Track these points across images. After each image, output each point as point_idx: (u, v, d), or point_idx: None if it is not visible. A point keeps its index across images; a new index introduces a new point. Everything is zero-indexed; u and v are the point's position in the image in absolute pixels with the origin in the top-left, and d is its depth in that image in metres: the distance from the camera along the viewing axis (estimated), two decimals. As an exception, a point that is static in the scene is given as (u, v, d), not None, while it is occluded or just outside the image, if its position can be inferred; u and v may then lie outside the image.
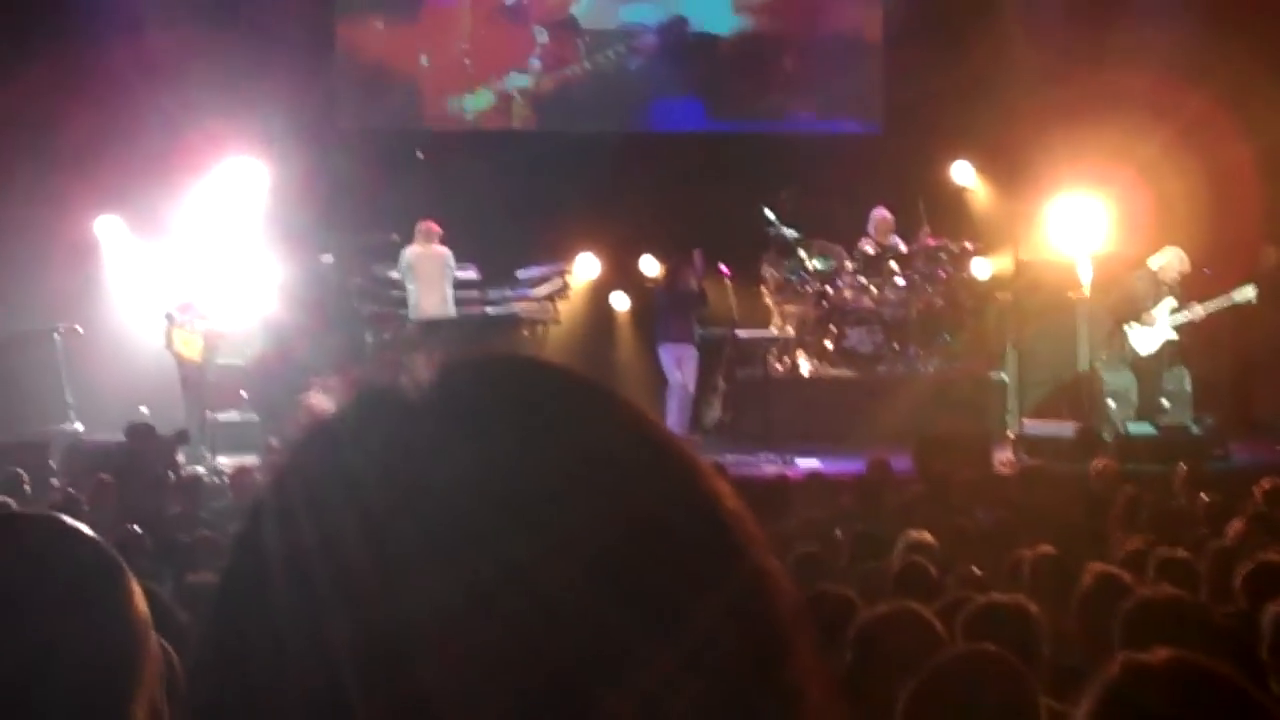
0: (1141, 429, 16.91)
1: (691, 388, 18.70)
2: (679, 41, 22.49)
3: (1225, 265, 17.80)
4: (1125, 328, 17.32)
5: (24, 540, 1.85)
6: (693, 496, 1.07)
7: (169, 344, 17.51)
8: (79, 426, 18.11)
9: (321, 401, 1.10)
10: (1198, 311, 17.21)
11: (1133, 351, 17.36)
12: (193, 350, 17.49)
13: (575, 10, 22.47)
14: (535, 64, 22.53)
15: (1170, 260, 17.28)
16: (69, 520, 1.87)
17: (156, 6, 19.91)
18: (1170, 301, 17.22)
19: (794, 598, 1.09)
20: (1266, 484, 11.46)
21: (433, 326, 18.62)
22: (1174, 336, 17.31)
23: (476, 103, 22.57)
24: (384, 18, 22.29)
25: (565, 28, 22.52)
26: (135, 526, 9.87)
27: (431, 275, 18.71)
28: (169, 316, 17.54)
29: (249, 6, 20.89)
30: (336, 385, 1.12)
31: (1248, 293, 17.27)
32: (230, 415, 18.27)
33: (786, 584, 1.09)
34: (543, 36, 22.46)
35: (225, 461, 16.35)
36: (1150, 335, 17.28)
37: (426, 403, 1.08)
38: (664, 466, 1.08)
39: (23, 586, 1.79)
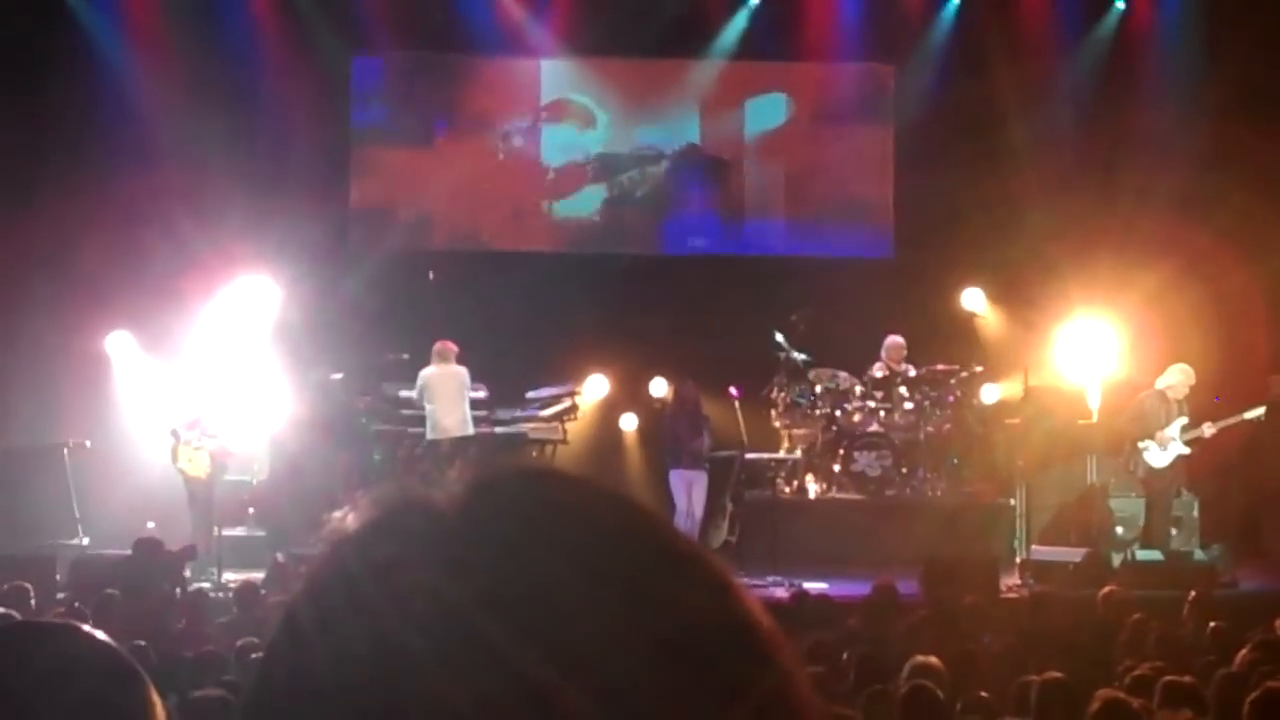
0: (1150, 556, 16.86)
1: (699, 513, 18.66)
2: (691, 166, 22.65)
3: (1235, 394, 17.83)
4: (1139, 445, 17.29)
5: (44, 648, 1.85)
6: (723, 608, 1.06)
7: (174, 460, 17.53)
8: (85, 541, 18.08)
9: (347, 519, 1.10)
10: (1209, 429, 17.20)
11: (1147, 468, 17.29)
12: (198, 468, 17.50)
13: (588, 135, 22.65)
14: (548, 188, 22.69)
15: (1178, 379, 17.28)
16: (88, 629, 1.88)
17: (172, 132, 20.17)
18: (1182, 420, 17.22)
19: (819, 708, 1.08)
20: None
21: (454, 445, 18.65)
22: (1186, 451, 17.30)
23: (490, 225, 22.71)
24: (398, 144, 22.48)
25: (578, 152, 22.70)
26: (140, 642, 9.85)
27: (450, 394, 18.72)
28: (174, 433, 17.56)
29: (264, 133, 21.11)
30: (363, 502, 1.11)
31: (1258, 411, 17.28)
32: (237, 531, 18.25)
33: (811, 694, 1.08)
34: (556, 161, 22.64)
35: (232, 577, 16.31)
36: (1163, 452, 17.27)
37: (455, 520, 1.07)
38: (694, 581, 1.06)
39: (43, 695, 1.79)
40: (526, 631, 0.99)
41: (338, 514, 1.11)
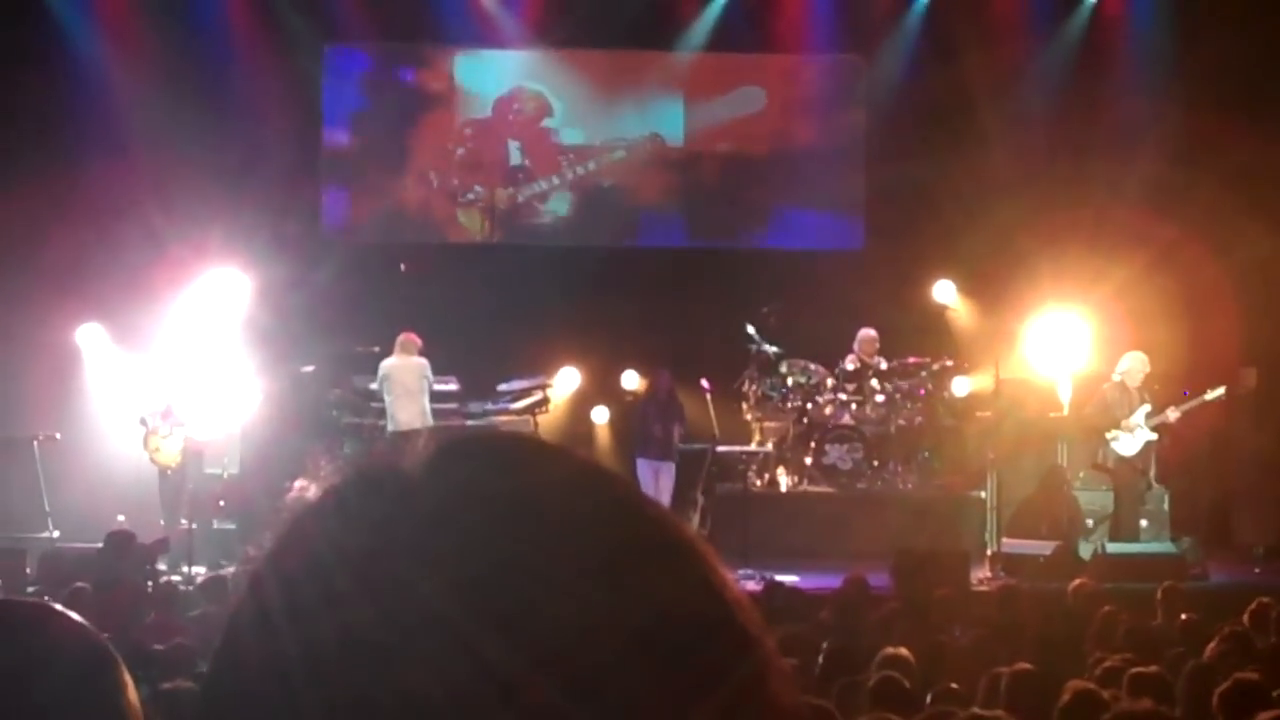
0: (1120, 548, 16.93)
1: (666, 502, 18.64)
2: (662, 158, 22.65)
3: (1204, 386, 17.89)
4: (1108, 435, 17.37)
5: (16, 627, 1.84)
6: (700, 596, 1.03)
7: (145, 448, 17.50)
8: (55, 534, 18.03)
9: (306, 488, 1.08)
10: (1173, 414, 17.28)
11: (1117, 458, 17.38)
12: (168, 457, 17.46)
13: (559, 127, 22.64)
14: (519, 178, 22.68)
15: (1133, 365, 17.37)
16: (61, 609, 1.87)
17: (143, 123, 20.12)
18: (1145, 407, 17.29)
19: (794, 699, 1.05)
20: (1255, 604, 11.51)
21: (408, 438, 18.53)
22: (1153, 438, 17.38)
23: (460, 216, 22.71)
24: (367, 135, 22.45)
25: (546, 143, 22.69)
26: (110, 634, 9.82)
27: (409, 386, 18.63)
28: (143, 421, 17.53)
29: (235, 124, 21.04)
30: (322, 471, 1.09)
31: (1218, 391, 17.34)
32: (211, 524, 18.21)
33: (788, 686, 1.05)
34: (517, 157, 22.61)
35: (202, 571, 16.27)
36: (1131, 440, 17.33)
37: (409, 482, 1.04)
38: (671, 568, 1.04)
39: (14, 674, 1.78)
40: (497, 621, 0.97)
41: (299, 483, 1.09)
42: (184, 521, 17.29)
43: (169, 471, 17.51)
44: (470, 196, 22.67)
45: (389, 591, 0.99)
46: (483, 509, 1.02)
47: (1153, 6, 21.68)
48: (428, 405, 18.82)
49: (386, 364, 18.75)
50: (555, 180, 22.69)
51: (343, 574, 1.00)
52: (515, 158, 22.71)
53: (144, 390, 18.06)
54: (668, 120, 22.70)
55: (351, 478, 1.07)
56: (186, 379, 17.99)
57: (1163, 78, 20.86)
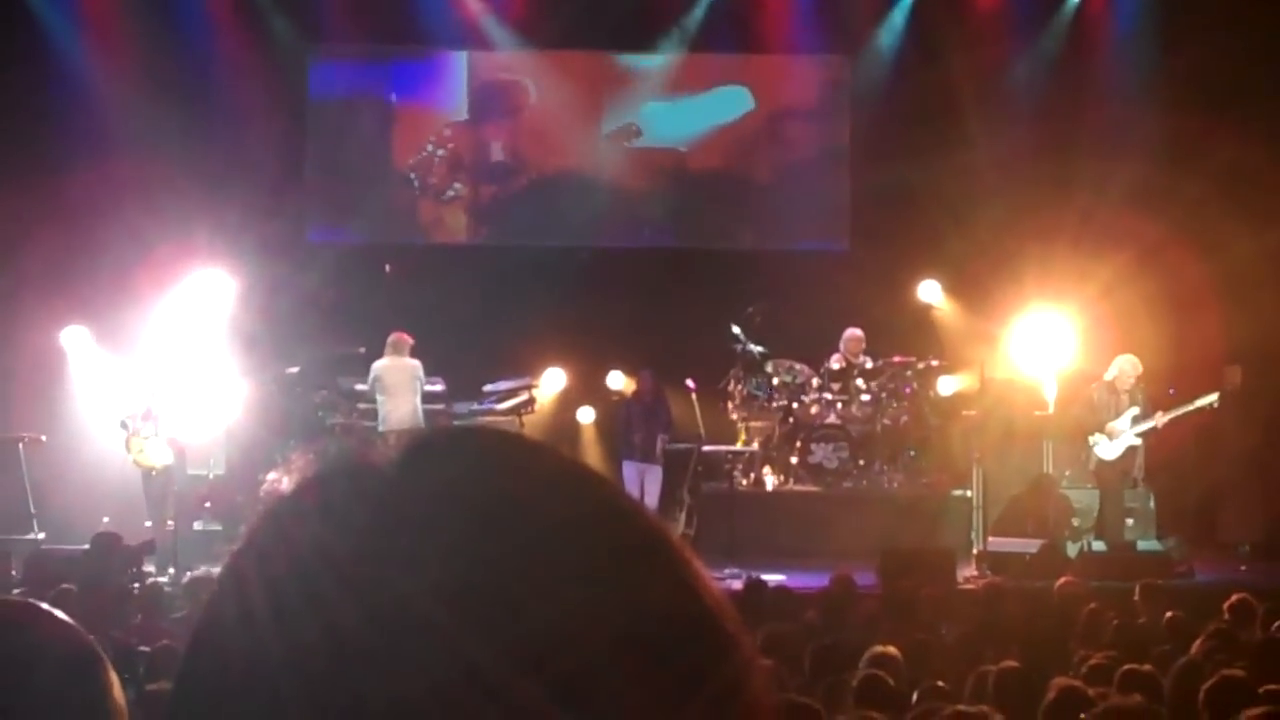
0: (1105, 546, 16.97)
1: (652, 504, 18.64)
2: (647, 159, 22.64)
3: (1189, 385, 17.93)
4: (1090, 439, 17.41)
5: (2, 627, 1.84)
6: (682, 598, 1.03)
7: (127, 451, 17.47)
8: (41, 536, 18.01)
9: (281, 480, 1.07)
10: (1160, 419, 17.30)
11: (1099, 461, 17.42)
12: (151, 459, 17.43)
13: (537, 124, 22.62)
14: (502, 178, 22.68)
15: (1124, 368, 17.37)
16: (47, 607, 1.87)
17: (127, 125, 20.09)
18: (1133, 410, 17.30)
19: (775, 702, 1.06)
20: (1235, 598, 11.54)
21: (400, 436, 18.52)
22: (1137, 443, 17.41)
23: (444, 217, 22.70)
24: (351, 136, 22.43)
25: (530, 143, 22.69)
26: (96, 636, 9.80)
27: (401, 387, 18.63)
28: (124, 424, 17.49)
29: (219, 126, 21.03)
30: (299, 463, 1.08)
31: (1211, 398, 17.36)
32: (195, 525, 18.18)
33: (768, 688, 1.06)
34: (500, 156, 22.61)
35: (188, 572, 16.24)
36: (1112, 445, 17.35)
37: (388, 483, 1.04)
38: (654, 570, 1.04)
39: (0, 673, 1.78)
40: (481, 622, 0.97)
41: (273, 475, 1.08)
42: (169, 523, 17.27)
43: (154, 473, 17.48)
44: (451, 195, 22.66)
45: (372, 592, 0.98)
46: (466, 509, 1.02)
47: (1136, 7, 21.70)
48: (420, 406, 18.81)
49: (379, 364, 18.74)
50: (539, 180, 22.67)
51: (326, 574, 1.00)
52: (498, 157, 22.69)
53: (125, 392, 18.03)
54: (652, 120, 22.68)
55: (333, 475, 1.07)
56: (172, 380, 17.96)
57: (1146, 78, 20.90)
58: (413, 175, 22.58)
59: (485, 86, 22.68)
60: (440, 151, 22.61)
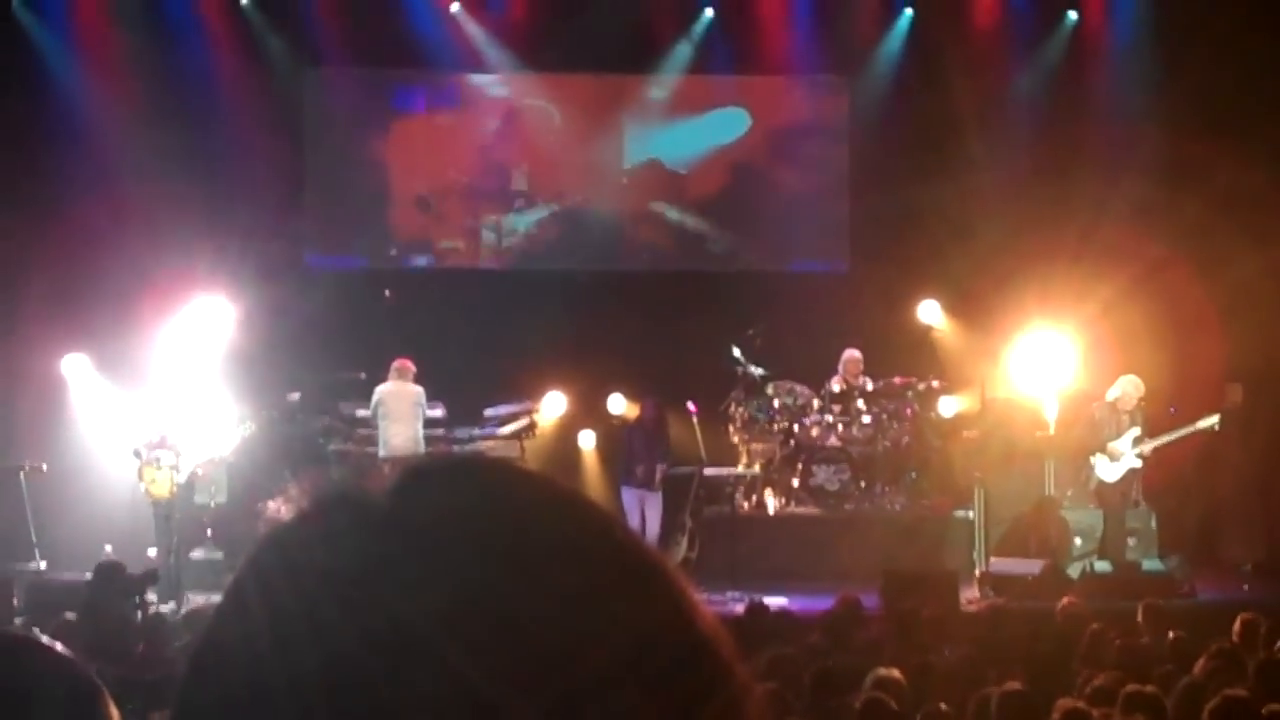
0: (1107, 567, 16.95)
1: (654, 530, 18.62)
2: (647, 181, 22.64)
3: (1190, 404, 17.93)
4: (1091, 459, 17.42)
5: (3, 661, 1.84)
6: (677, 625, 1.04)
7: (140, 480, 17.43)
8: (42, 565, 17.99)
9: (281, 509, 1.08)
10: (1162, 441, 17.31)
11: (1099, 482, 17.42)
12: (161, 488, 17.41)
13: (536, 148, 22.63)
14: (501, 202, 22.69)
15: (1126, 390, 17.39)
16: (47, 640, 1.87)
17: (126, 152, 20.11)
18: (1134, 431, 17.31)
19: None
20: (1243, 618, 11.53)
21: (399, 464, 18.49)
22: (1138, 465, 17.40)
23: (444, 241, 22.71)
24: (350, 160, 22.44)
25: (529, 166, 22.70)
26: (98, 665, 9.79)
27: (403, 412, 18.66)
28: (137, 453, 17.46)
29: (218, 152, 21.03)
30: (298, 492, 1.09)
31: (1212, 420, 17.36)
32: (197, 553, 18.17)
33: (764, 714, 1.07)
34: (500, 180, 22.63)
35: (191, 600, 16.23)
36: (1113, 465, 17.35)
37: (386, 511, 1.05)
38: (648, 596, 1.04)
39: (2, 708, 1.78)
40: (479, 647, 0.98)
41: (273, 503, 1.09)
42: (171, 552, 17.24)
43: (161, 501, 17.45)
44: (457, 220, 22.66)
45: (371, 617, 0.99)
46: (462, 536, 1.03)
47: (1133, 26, 21.71)
48: (421, 432, 18.82)
49: (381, 389, 18.78)
50: (539, 204, 22.69)
51: (325, 599, 1.01)
52: (498, 181, 22.69)
53: (133, 420, 17.99)
54: (651, 143, 22.70)
55: (333, 503, 1.08)
56: (173, 408, 17.94)
57: (1144, 96, 20.91)
58: (414, 199, 22.56)
59: (485, 110, 22.69)
60: (445, 174, 22.60)
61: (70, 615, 12.92)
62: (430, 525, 1.04)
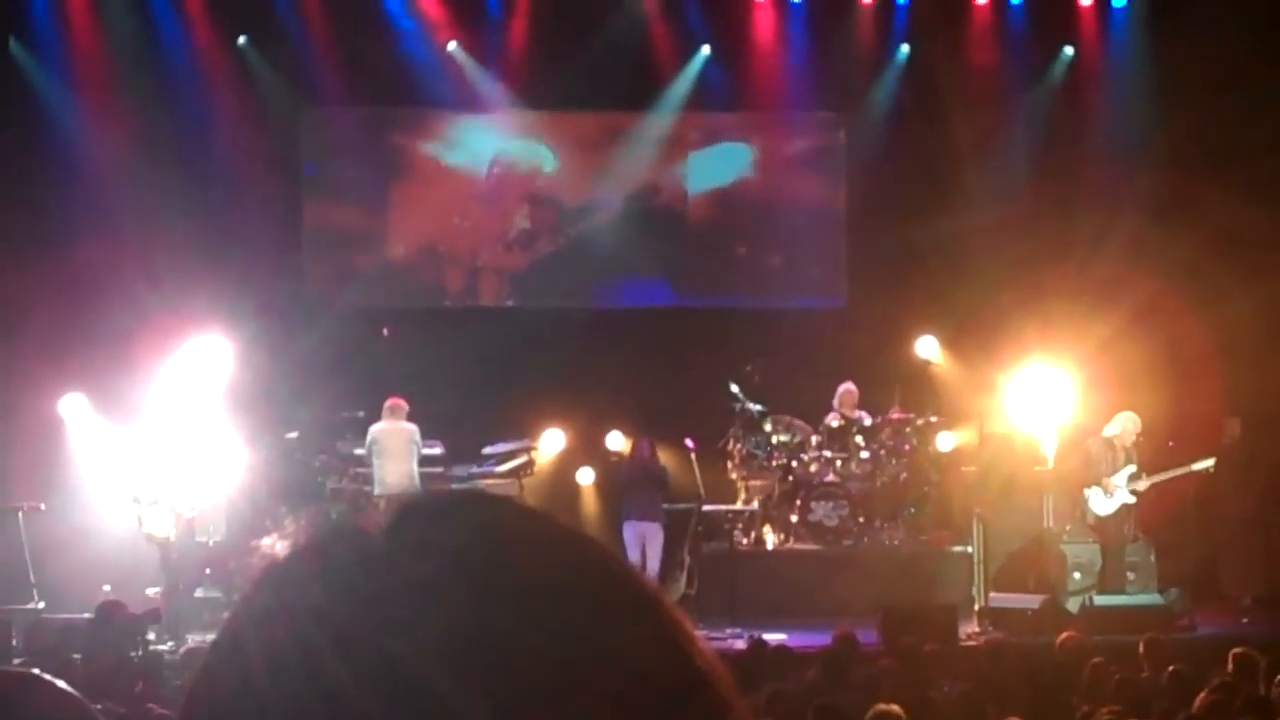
0: (1107, 601, 16.93)
1: (654, 566, 18.59)
2: (645, 218, 22.65)
3: (1189, 438, 17.95)
4: (1085, 492, 17.44)
5: (4, 696, 1.84)
6: (675, 662, 1.04)
7: (140, 526, 17.35)
8: (41, 605, 17.95)
9: (276, 546, 1.09)
10: (1157, 479, 17.34)
11: (1094, 515, 17.44)
12: (162, 530, 17.36)
13: (535, 187, 22.66)
14: (502, 243, 22.70)
15: (1125, 426, 17.42)
16: (49, 678, 1.88)
17: (123, 192, 20.14)
18: (1130, 468, 17.33)
19: None
20: (1237, 652, 11.51)
21: (395, 500, 18.45)
22: (1131, 500, 17.42)
23: (442, 279, 22.71)
24: (351, 200, 22.46)
25: (539, 206, 22.72)
26: (97, 705, 9.77)
27: (398, 451, 18.68)
28: (136, 499, 17.41)
29: (216, 191, 21.07)
30: (294, 530, 1.10)
31: (1207, 463, 17.40)
32: (197, 593, 18.12)
33: None
34: (499, 219, 22.65)
35: (190, 639, 16.19)
36: (1108, 500, 17.36)
37: (382, 548, 1.06)
38: (646, 632, 1.04)
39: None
40: (475, 684, 0.98)
41: (268, 540, 1.10)
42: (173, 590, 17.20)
43: (163, 544, 17.38)
44: (453, 259, 22.68)
45: (367, 654, 1.00)
46: (458, 572, 1.03)
47: (1128, 62, 21.77)
48: (416, 470, 18.82)
49: (375, 428, 18.80)
50: (538, 241, 22.70)
51: (321, 637, 1.01)
52: (497, 218, 22.71)
53: (130, 463, 17.94)
54: (650, 179, 22.72)
55: (328, 540, 1.08)
56: (172, 448, 17.91)
57: (1140, 133, 20.96)
58: (412, 239, 22.58)
59: (483, 147, 22.72)
60: (441, 214, 22.62)
61: (70, 655, 12.90)
62: (426, 562, 1.04)
